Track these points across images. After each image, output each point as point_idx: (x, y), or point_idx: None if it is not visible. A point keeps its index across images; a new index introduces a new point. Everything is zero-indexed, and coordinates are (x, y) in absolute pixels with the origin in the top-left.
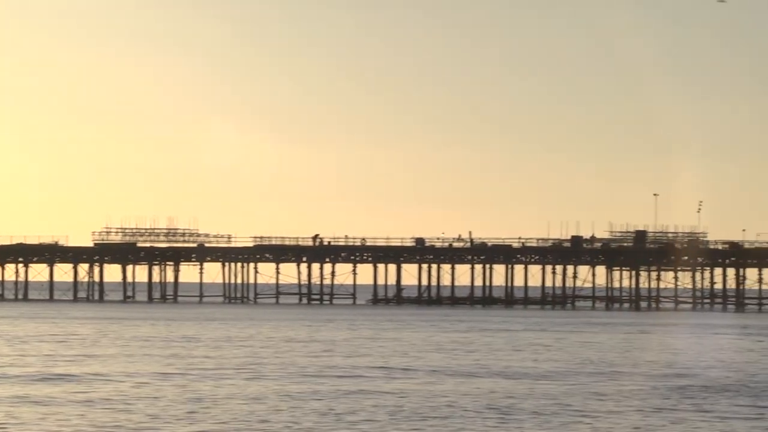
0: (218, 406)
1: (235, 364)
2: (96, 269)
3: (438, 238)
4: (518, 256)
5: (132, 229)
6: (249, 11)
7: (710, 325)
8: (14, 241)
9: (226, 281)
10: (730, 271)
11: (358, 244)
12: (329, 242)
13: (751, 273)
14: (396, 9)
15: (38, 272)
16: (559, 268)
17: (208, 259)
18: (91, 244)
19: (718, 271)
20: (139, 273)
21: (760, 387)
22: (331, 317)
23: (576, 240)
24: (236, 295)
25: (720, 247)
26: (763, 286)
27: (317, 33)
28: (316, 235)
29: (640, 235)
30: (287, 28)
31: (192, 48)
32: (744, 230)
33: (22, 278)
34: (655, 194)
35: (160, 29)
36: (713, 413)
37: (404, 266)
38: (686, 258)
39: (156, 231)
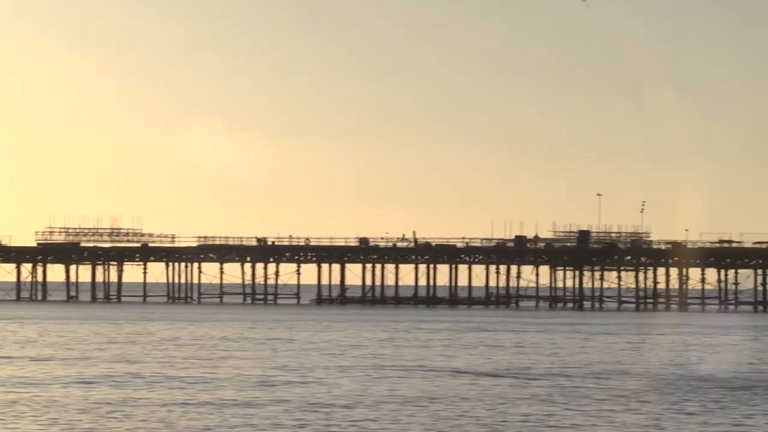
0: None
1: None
2: (39, 269)
3: (382, 238)
4: (462, 256)
5: (75, 228)
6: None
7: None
8: None
9: (170, 281)
10: (673, 271)
11: (302, 244)
12: (273, 242)
13: (694, 273)
14: (341, 8)
15: None
16: (502, 267)
17: (152, 258)
18: (34, 244)
19: (661, 270)
20: (83, 273)
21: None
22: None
23: (520, 240)
24: (180, 295)
25: (663, 247)
26: (706, 286)
27: (258, 32)
28: (261, 238)
29: (584, 235)
30: (221, 27)
31: (132, 47)
32: (687, 230)
33: None
34: (598, 194)
35: (96, 26)
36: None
37: (348, 266)
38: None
39: (99, 231)
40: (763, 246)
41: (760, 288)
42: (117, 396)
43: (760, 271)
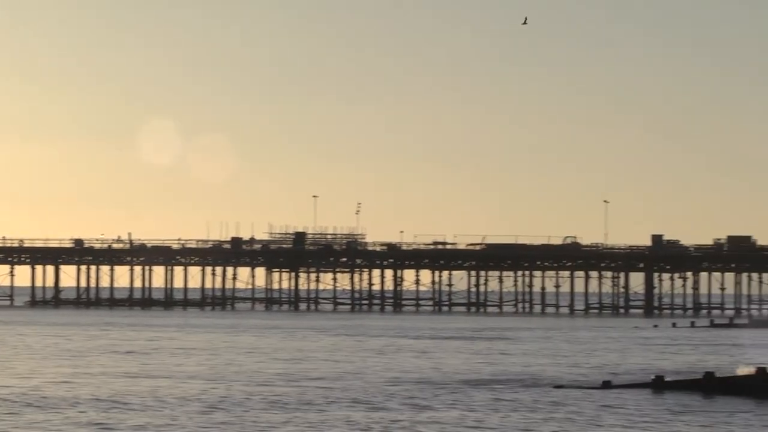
0: None
1: None
2: None
3: (97, 240)
4: (178, 257)
5: None
6: None
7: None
8: None
9: None
10: (388, 273)
11: (16, 245)
12: None
13: (409, 274)
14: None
15: None
16: (219, 269)
17: None
18: None
19: (376, 272)
20: None
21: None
22: None
23: (236, 241)
24: None
25: (378, 248)
26: (420, 288)
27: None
28: None
29: (300, 237)
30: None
31: None
32: (402, 232)
33: None
34: (314, 196)
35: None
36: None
37: (63, 267)
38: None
39: None
40: (477, 248)
41: (473, 289)
42: None
43: (473, 273)
